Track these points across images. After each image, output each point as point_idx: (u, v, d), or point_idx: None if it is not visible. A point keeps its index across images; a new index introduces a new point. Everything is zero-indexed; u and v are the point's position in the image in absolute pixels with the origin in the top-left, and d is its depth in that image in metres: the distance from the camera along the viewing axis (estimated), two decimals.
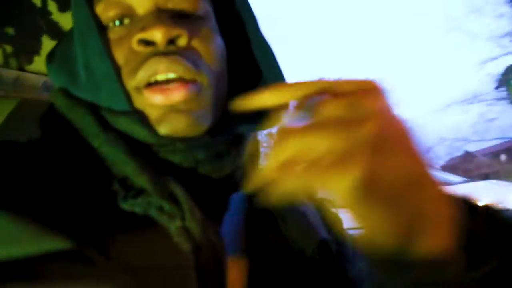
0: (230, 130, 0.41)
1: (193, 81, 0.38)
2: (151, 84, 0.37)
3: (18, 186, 0.34)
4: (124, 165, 0.36)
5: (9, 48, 0.77)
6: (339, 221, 0.51)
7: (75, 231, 0.32)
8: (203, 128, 0.39)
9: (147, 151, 0.38)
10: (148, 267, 0.33)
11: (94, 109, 0.39)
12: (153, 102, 0.37)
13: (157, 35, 0.36)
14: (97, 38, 0.38)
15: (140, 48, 0.37)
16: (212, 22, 0.43)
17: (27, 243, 0.30)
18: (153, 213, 0.35)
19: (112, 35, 0.39)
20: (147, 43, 0.37)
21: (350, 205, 0.25)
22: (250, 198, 0.46)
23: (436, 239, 0.26)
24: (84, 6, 0.40)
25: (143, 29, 0.37)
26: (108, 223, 0.34)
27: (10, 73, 0.75)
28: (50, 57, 0.45)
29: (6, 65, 0.76)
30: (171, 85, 0.37)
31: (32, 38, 0.79)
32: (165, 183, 0.36)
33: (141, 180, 0.35)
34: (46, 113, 0.44)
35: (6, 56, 0.77)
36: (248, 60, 0.46)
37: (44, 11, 0.79)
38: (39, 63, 0.81)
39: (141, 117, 0.38)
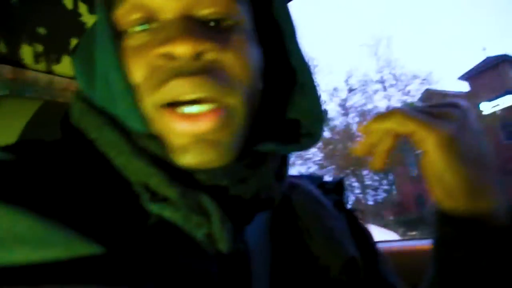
0: (254, 152, 0.38)
1: (223, 106, 0.34)
2: (172, 104, 0.34)
3: (45, 188, 0.32)
4: (149, 176, 0.33)
5: (39, 47, 0.80)
6: (370, 236, 0.52)
7: (104, 236, 0.31)
8: (230, 157, 0.35)
9: (172, 165, 0.35)
10: (175, 272, 0.32)
11: (113, 118, 0.37)
12: (177, 129, 0.33)
13: (182, 49, 0.32)
14: (112, 49, 0.35)
15: (163, 62, 0.33)
16: (248, 28, 0.38)
17: (58, 247, 0.29)
18: (180, 220, 0.33)
19: (133, 41, 0.35)
20: (171, 57, 0.33)
21: (435, 156, 0.37)
22: (276, 212, 0.45)
23: (492, 202, 0.37)
24: (102, 11, 0.36)
25: (167, 41, 0.33)
26: (134, 227, 0.33)
27: (43, 76, 0.77)
28: (76, 52, 0.42)
29: (36, 62, 0.78)
30: (199, 110, 0.33)
31: (62, 38, 0.81)
32: (194, 195, 0.33)
33: (168, 192, 0.33)
34: (66, 115, 0.42)
35: (36, 55, 0.79)
36: (280, 69, 0.42)
37: (74, 13, 0.80)
38: (68, 63, 0.82)
39: (159, 142, 0.34)
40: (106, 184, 0.35)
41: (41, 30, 0.79)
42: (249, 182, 0.36)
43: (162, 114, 0.34)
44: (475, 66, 17.18)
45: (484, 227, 0.36)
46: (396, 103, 15.54)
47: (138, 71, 0.34)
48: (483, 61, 17.09)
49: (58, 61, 0.81)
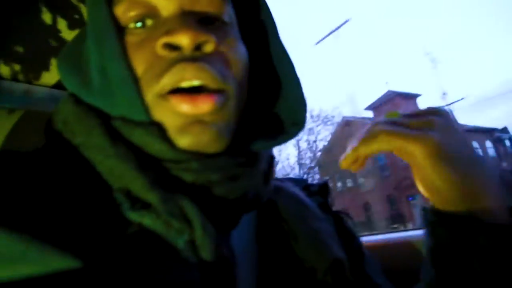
0: (246, 149, 0.39)
1: (219, 92, 0.36)
2: (174, 91, 0.35)
3: (20, 201, 0.32)
4: (132, 180, 0.34)
5: (17, 67, 0.76)
6: (357, 237, 0.53)
7: (81, 249, 0.30)
8: (224, 143, 0.37)
9: (158, 166, 0.35)
10: (156, 283, 0.32)
11: (104, 119, 0.37)
12: (179, 110, 0.35)
13: (184, 39, 0.34)
14: (115, 41, 0.36)
15: (165, 53, 0.35)
16: (236, 29, 0.41)
17: (33, 263, 0.29)
18: (160, 227, 0.33)
19: (133, 37, 0.37)
20: (173, 47, 0.35)
21: (425, 166, 0.38)
22: (262, 216, 0.46)
23: (487, 203, 0.37)
24: (103, 6, 0.37)
25: (169, 32, 0.35)
26: (113, 238, 0.32)
27: (20, 86, 0.74)
28: (61, 57, 0.42)
29: (14, 81, 0.75)
30: (199, 94, 0.35)
31: (41, 56, 0.79)
32: (175, 200, 0.33)
33: (149, 197, 0.33)
34: (49, 121, 0.41)
35: (14, 74, 0.76)
36: (265, 69, 0.44)
37: (53, 29, 0.79)
38: (46, 75, 0.80)
39: (159, 129, 0.35)
40: (87, 193, 0.34)
41: (19, 49, 0.76)
42: (239, 180, 0.37)
43: (163, 100, 0.35)
44: (378, 98, 19.04)
45: (480, 228, 0.36)
46: (303, 145, 16.68)
47: (139, 64, 0.36)
48: (384, 94, 19.03)
49: (37, 78, 0.79)
